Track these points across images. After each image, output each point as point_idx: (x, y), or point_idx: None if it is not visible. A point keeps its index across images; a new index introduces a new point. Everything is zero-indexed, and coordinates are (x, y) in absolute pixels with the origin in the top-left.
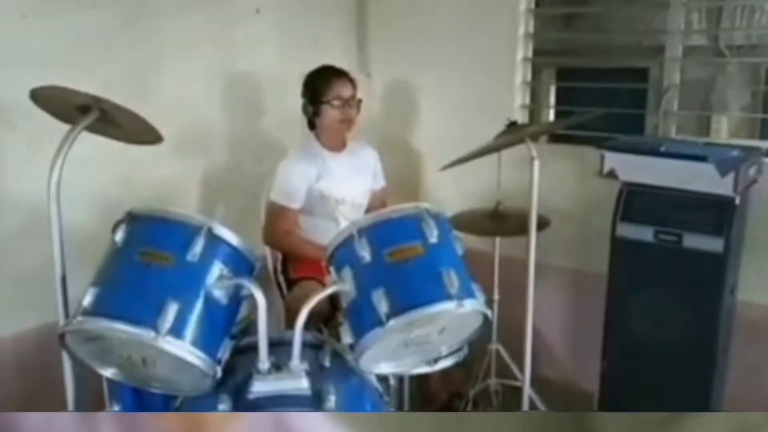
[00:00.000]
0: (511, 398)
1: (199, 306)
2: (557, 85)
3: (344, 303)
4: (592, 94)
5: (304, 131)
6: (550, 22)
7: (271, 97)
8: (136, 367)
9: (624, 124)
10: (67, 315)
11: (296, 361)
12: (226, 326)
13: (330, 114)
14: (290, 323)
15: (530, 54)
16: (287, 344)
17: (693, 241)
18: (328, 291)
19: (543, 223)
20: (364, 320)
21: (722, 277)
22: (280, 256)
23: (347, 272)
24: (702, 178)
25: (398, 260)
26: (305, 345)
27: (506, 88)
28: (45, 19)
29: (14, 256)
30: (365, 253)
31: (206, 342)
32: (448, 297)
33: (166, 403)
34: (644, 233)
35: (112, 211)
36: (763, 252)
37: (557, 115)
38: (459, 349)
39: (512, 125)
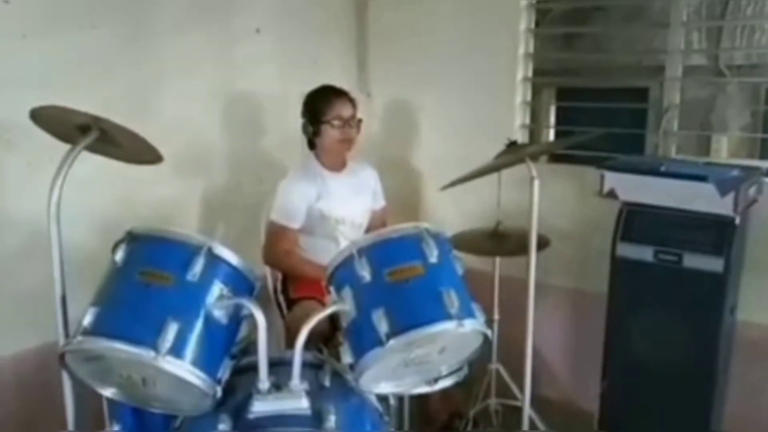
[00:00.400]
0: (511, 418)
1: (199, 326)
2: (557, 104)
3: (344, 323)
4: (592, 113)
5: (304, 151)
6: (550, 42)
7: (271, 117)
8: (136, 386)
9: (624, 144)
10: (67, 335)
11: (296, 381)
12: (226, 346)
13: (330, 134)
14: (290, 343)
15: (530, 74)
16: (287, 364)
17: (693, 260)
18: (328, 311)
19: (543, 243)
20: (364, 340)
21: (722, 297)
22: (280, 275)
23: (347, 292)
24: (702, 198)
25: (398, 280)
26: (305, 365)
27: (506, 107)
28: (45, 39)
29: (14, 276)
30: (365, 273)
31: (206, 362)
32: (448, 317)
33: (166, 422)
34: (644, 253)
35: (112, 230)
36: (764, 272)
37: (557, 134)
38: (459, 369)
39: (512, 145)
